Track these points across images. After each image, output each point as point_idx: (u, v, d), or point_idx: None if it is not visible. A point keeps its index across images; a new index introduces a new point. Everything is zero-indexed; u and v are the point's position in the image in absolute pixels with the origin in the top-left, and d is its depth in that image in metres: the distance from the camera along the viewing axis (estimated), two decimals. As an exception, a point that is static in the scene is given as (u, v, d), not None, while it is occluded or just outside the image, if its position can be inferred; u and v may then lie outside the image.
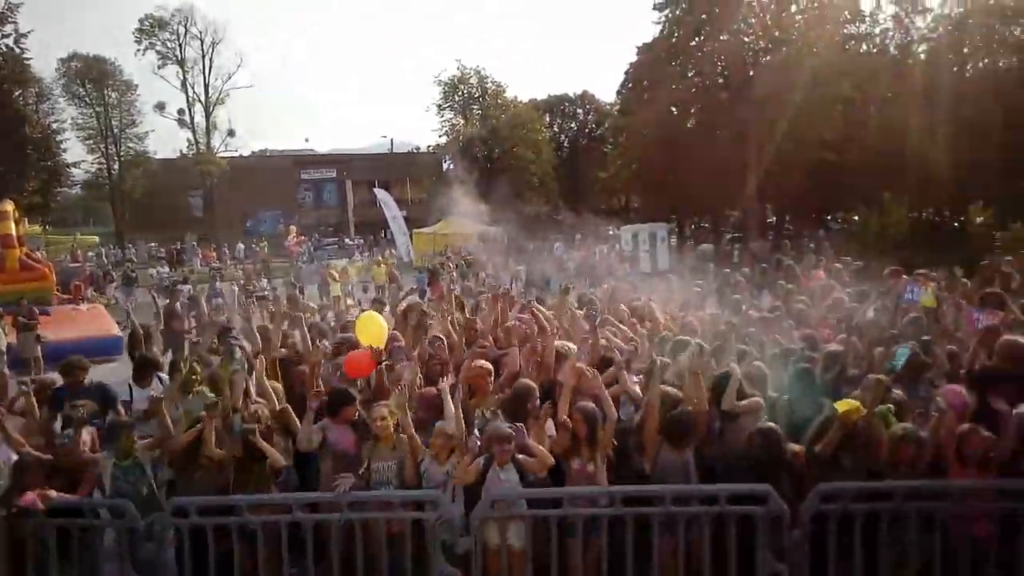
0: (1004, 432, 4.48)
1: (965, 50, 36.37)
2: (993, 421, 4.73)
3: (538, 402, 5.22)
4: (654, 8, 34.74)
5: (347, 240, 45.94)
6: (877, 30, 37.49)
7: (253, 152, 54.02)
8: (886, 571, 4.37)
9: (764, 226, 35.40)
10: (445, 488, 4.80)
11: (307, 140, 63.11)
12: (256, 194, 49.72)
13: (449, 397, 5.08)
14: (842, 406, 4.53)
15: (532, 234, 43.62)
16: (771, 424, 4.79)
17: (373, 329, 6.13)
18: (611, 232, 34.98)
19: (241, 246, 41.99)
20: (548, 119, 56.02)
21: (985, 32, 36.28)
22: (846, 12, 34.77)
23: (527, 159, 46.88)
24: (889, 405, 4.80)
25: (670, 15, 34.45)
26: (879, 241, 22.00)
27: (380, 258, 29.30)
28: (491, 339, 6.88)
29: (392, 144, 58.15)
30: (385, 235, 49.31)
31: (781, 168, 30.02)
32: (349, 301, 17.03)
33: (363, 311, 8.61)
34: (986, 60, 37.25)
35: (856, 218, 28.43)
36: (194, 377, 6.02)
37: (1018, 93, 30.03)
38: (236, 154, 49.88)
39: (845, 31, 34.67)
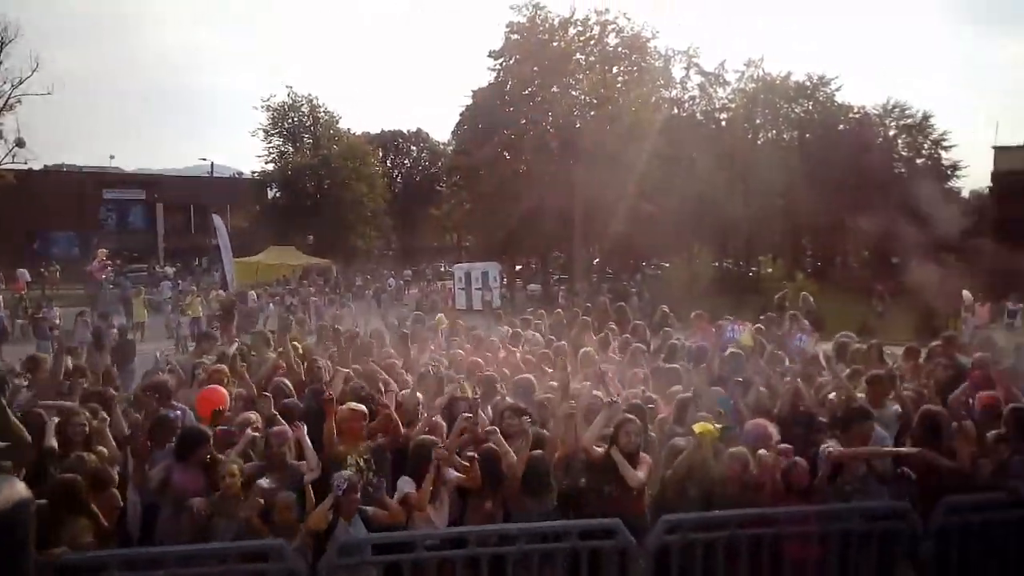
0: (822, 467, 5.02)
1: (757, 121, 41.46)
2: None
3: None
4: (489, 56, 36.11)
5: (156, 267, 42.18)
6: (686, 96, 41.68)
7: (47, 166, 48.22)
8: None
9: (589, 269, 37.37)
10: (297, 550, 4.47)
11: (112, 157, 56.86)
12: (48, 213, 44.29)
13: (307, 440, 4.78)
14: (699, 427, 4.84)
15: (362, 268, 42.89)
16: None
17: None
18: (443, 269, 35.22)
19: (23, 270, 36.79)
20: (381, 154, 55.73)
21: (772, 108, 41.67)
22: (660, 78, 38.28)
23: (360, 192, 46.13)
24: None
25: (504, 63, 35.94)
26: (689, 287, 24.01)
27: (195, 288, 27.18)
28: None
29: (212, 168, 54.72)
30: (200, 263, 46.03)
31: (604, 215, 32.02)
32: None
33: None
34: (772, 132, 42.72)
35: (667, 265, 30.94)
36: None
37: (797, 163, 34.45)
38: (25, 166, 44.15)
39: (660, 94, 38.04)
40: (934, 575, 4.80)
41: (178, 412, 5.71)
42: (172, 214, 49.28)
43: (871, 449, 5.16)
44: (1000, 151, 39.24)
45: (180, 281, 32.36)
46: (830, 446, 5.08)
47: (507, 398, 6.19)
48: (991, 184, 40.30)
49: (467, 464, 4.94)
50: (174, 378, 6.87)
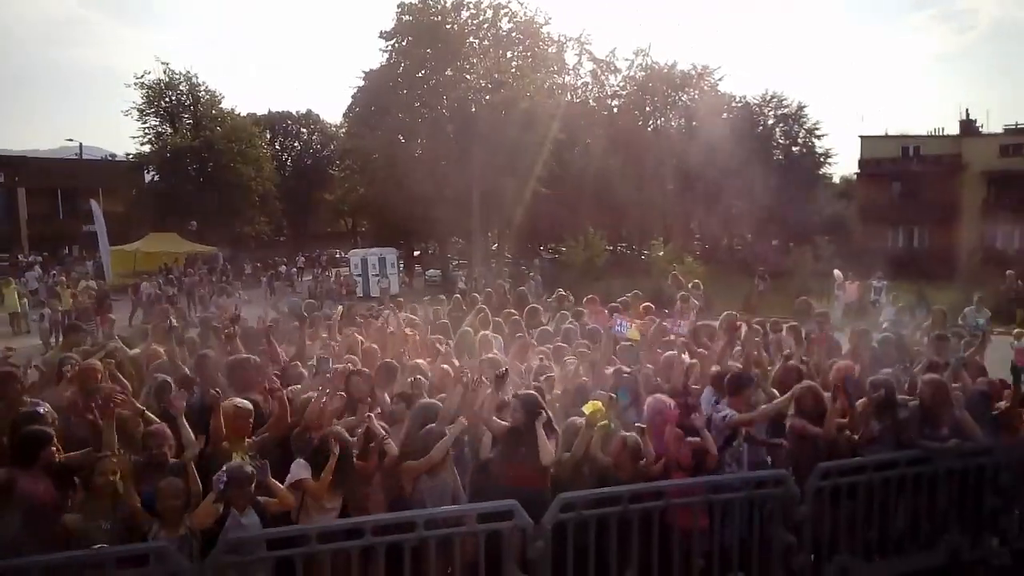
0: (717, 433, 5.30)
1: (647, 108, 42.75)
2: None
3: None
4: (380, 36, 35.24)
5: (21, 257, 38.79)
6: (579, 82, 42.39)
7: None
8: (616, 571, 4.79)
9: (488, 254, 37.46)
10: (181, 549, 4.21)
11: (-37, 136, 50.87)
12: None
13: (183, 421, 4.52)
14: (588, 408, 4.93)
15: (251, 255, 41.15)
16: None
17: None
18: (338, 255, 34.33)
19: None
20: (270, 136, 53.42)
21: (661, 95, 43.07)
22: (554, 64, 38.69)
23: (246, 175, 44.02)
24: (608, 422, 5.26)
25: (396, 45, 35.19)
26: (585, 270, 24.53)
27: (64, 279, 25.19)
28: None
29: (81, 149, 50.59)
30: (69, 252, 42.64)
31: (502, 199, 32.15)
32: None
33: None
34: (661, 119, 44.19)
35: (564, 249, 31.48)
36: None
37: (684, 149, 35.82)
38: None
39: (554, 80, 38.48)
40: (808, 536, 5.13)
41: (42, 408, 5.21)
42: (36, 199, 45.39)
43: (762, 410, 5.50)
44: (866, 139, 42.38)
45: (54, 271, 29.85)
46: (727, 413, 5.34)
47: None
48: (858, 170, 43.50)
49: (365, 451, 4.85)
50: (37, 374, 6.30)
